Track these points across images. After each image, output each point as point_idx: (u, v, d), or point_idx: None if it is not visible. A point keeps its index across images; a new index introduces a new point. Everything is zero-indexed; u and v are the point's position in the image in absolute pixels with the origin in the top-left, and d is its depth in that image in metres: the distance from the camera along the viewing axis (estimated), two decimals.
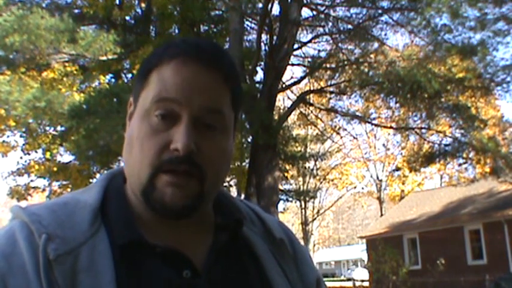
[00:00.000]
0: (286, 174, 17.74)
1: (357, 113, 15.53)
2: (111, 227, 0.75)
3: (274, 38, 11.81)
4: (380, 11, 12.24)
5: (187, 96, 0.74)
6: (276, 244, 0.88)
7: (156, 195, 0.74)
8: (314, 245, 46.32)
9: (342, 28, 12.99)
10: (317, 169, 28.77)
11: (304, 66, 14.54)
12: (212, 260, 0.78)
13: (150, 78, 0.77)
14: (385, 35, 17.58)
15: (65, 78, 12.69)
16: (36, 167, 14.31)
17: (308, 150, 22.23)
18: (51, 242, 0.68)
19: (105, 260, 0.70)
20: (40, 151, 14.36)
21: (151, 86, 0.76)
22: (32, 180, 14.96)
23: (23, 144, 14.33)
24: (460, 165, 14.03)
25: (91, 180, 14.19)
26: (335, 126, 19.03)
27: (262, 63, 12.43)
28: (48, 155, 14.19)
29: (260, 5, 12.01)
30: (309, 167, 26.18)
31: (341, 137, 22.77)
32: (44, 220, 0.71)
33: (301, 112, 16.34)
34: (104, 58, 10.67)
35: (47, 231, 0.69)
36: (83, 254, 0.69)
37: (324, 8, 13.05)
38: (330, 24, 13.07)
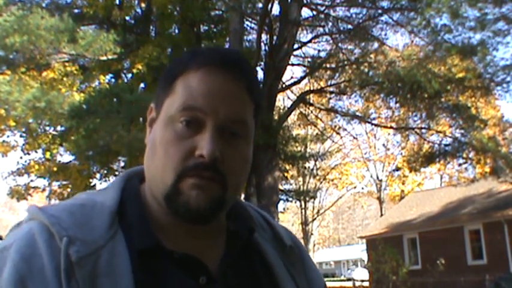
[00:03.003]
0: (286, 174, 17.74)
1: (357, 113, 15.52)
2: (129, 231, 0.75)
3: (274, 38, 11.81)
4: (380, 11, 12.24)
5: (213, 106, 0.75)
6: (286, 251, 0.89)
7: (182, 199, 0.74)
8: (314, 245, 46.31)
9: (342, 28, 12.99)
10: (317, 169, 28.76)
11: (304, 66, 14.55)
12: (226, 266, 0.79)
13: (175, 85, 0.78)
14: (385, 35, 17.59)
15: (65, 78, 12.69)
16: (36, 167, 14.30)
17: (308, 150, 22.21)
18: (73, 245, 0.69)
19: (123, 264, 0.70)
20: (40, 151, 14.36)
21: (176, 94, 0.77)
22: (32, 180, 14.97)
23: (23, 144, 14.33)
24: (460, 165, 14.03)
25: (91, 180, 14.20)
26: (335, 126, 19.01)
27: (262, 63, 12.43)
28: (48, 155, 14.19)
29: (260, 5, 12.00)
30: (309, 167, 26.16)
31: (341, 137, 22.77)
32: (64, 222, 0.71)
33: (301, 112, 16.34)
34: (104, 58, 10.67)
35: (67, 234, 0.69)
36: (103, 258, 0.70)
37: (324, 8, 13.05)
38: (330, 24, 13.08)
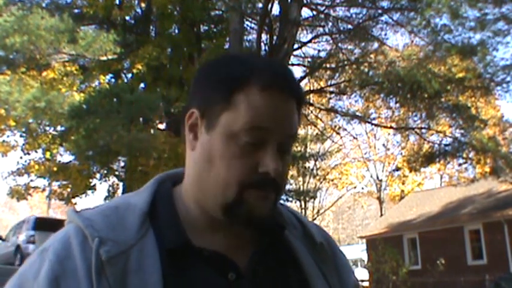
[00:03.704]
0: None
1: (357, 113, 15.52)
2: (159, 231, 0.79)
3: (274, 38, 11.80)
4: (380, 11, 12.24)
5: (276, 126, 0.79)
6: (316, 248, 0.91)
7: (245, 208, 0.78)
8: None
9: (342, 28, 12.99)
10: (317, 169, 28.73)
11: (304, 66, 14.54)
12: (255, 263, 0.82)
13: (234, 100, 0.79)
14: (385, 35, 17.54)
15: (65, 78, 12.71)
16: (36, 167, 14.30)
17: (308, 150, 22.23)
18: (104, 245, 0.74)
19: (153, 261, 0.75)
20: (40, 151, 14.37)
21: (239, 111, 0.78)
22: (32, 180, 14.96)
23: (23, 144, 14.33)
24: (460, 165, 14.04)
25: (91, 180, 14.19)
26: (335, 126, 19.01)
27: None
28: (48, 155, 14.20)
29: (260, 5, 12.01)
30: (309, 167, 26.16)
31: (341, 137, 22.73)
32: (97, 225, 0.77)
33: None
34: (104, 58, 10.68)
35: (99, 235, 0.75)
36: (133, 256, 0.74)
37: (324, 8, 13.04)
38: (330, 24, 13.07)
